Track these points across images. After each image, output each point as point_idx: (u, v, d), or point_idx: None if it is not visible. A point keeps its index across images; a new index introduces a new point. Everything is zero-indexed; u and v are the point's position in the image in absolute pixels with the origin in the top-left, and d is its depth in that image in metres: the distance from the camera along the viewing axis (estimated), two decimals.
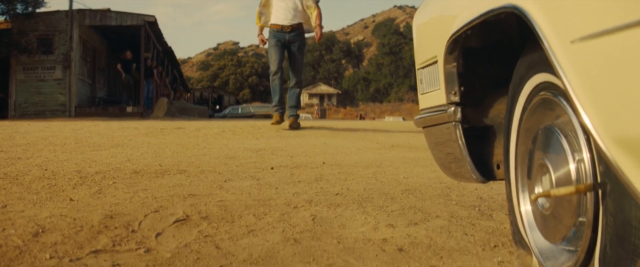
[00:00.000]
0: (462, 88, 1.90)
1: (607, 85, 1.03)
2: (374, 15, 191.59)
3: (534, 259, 1.65)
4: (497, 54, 1.90)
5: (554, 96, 1.46)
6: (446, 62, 1.87)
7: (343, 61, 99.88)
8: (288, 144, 6.30)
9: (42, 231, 2.11)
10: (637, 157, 0.97)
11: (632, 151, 0.98)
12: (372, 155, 5.30)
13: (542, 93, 1.53)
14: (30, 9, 19.65)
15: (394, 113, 55.57)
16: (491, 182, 3.46)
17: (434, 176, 3.77)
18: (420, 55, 2.19)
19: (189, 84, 51.27)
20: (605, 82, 1.03)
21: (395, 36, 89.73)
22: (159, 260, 1.86)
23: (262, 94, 75.15)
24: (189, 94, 40.98)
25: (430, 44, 2.04)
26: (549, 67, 1.43)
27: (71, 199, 2.74)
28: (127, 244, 2.02)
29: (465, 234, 2.29)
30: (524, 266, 1.69)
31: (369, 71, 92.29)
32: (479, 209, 2.74)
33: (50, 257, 1.83)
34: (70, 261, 1.81)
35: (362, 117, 47.73)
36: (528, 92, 1.62)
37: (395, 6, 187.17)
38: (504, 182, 1.89)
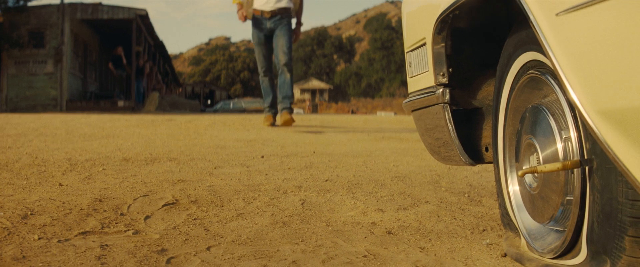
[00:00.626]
0: (450, 69, 1.90)
1: (591, 57, 1.03)
2: (366, 10, 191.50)
3: (522, 240, 1.65)
4: (485, 35, 1.91)
5: (541, 75, 1.46)
6: (434, 43, 1.87)
7: (335, 56, 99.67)
8: (279, 135, 6.30)
9: (31, 214, 2.10)
10: (623, 130, 0.97)
11: (618, 123, 0.98)
12: (362, 145, 5.31)
13: (529, 72, 1.53)
14: (21, 2, 19.53)
15: (386, 108, 55.46)
16: (481, 169, 3.49)
17: (423, 164, 3.78)
18: (409, 38, 2.19)
19: (180, 79, 51.12)
20: (590, 54, 1.03)
21: (387, 31, 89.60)
22: (148, 241, 1.85)
23: (253, 90, 74.98)
24: (180, 89, 40.88)
25: (418, 25, 2.04)
26: (536, 45, 1.44)
27: (60, 184, 2.73)
28: (115, 226, 2.02)
29: (454, 218, 2.29)
30: (513, 248, 1.69)
31: (360, 66, 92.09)
32: (469, 195, 2.74)
33: (39, 238, 1.82)
34: (59, 241, 1.80)
35: (353, 113, 47.82)
36: (516, 72, 1.62)
37: (387, 1, 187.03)
38: (493, 168, 1.90)
